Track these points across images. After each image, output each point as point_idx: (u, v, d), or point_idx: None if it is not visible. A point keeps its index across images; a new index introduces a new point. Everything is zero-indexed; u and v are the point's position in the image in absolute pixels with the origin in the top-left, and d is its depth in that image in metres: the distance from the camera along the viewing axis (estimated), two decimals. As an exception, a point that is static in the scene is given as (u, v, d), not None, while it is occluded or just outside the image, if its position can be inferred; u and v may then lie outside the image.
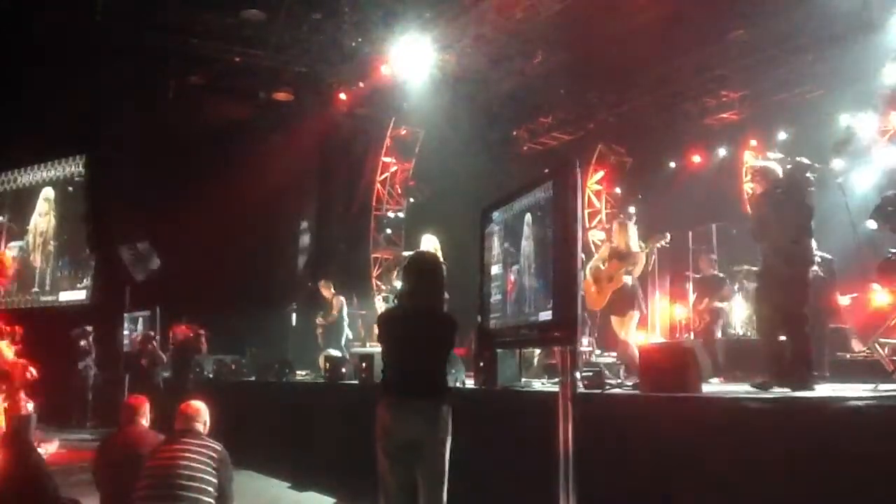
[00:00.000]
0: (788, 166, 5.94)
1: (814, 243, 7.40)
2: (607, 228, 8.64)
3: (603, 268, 7.16)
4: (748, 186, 5.83)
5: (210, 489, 3.96)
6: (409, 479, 3.86)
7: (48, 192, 15.18)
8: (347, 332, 10.70)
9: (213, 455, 4.06)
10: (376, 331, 11.51)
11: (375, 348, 10.91)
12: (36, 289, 14.95)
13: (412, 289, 4.15)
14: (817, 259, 7.44)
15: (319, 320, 10.66)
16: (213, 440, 4.21)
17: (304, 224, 14.90)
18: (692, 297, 10.22)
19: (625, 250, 7.02)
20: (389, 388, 4.00)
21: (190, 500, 3.88)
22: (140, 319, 12.25)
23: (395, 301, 8.05)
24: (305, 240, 14.82)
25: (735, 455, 3.89)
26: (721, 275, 9.19)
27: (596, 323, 8.33)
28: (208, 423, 4.32)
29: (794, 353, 5.21)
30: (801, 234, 5.47)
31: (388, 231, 14.60)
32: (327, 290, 10.71)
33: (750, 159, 11.45)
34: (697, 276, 9.80)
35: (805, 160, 5.83)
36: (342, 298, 10.70)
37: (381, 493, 3.92)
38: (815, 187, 5.70)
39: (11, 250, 15.15)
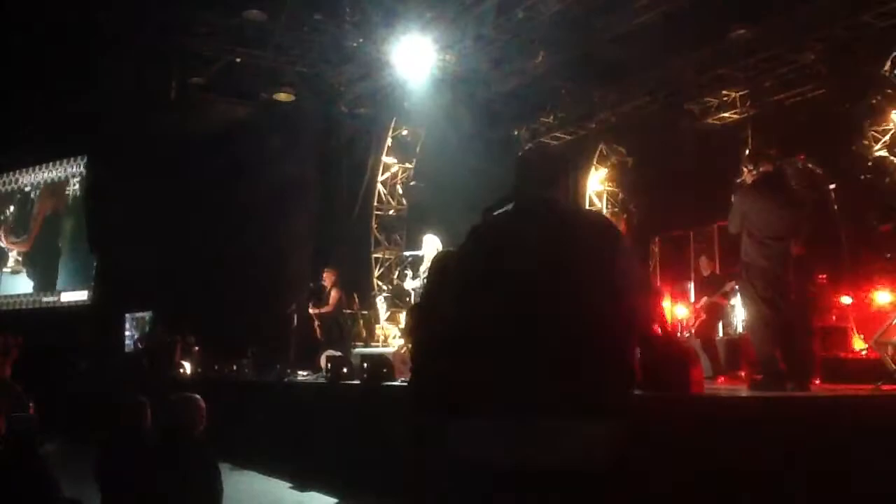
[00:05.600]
0: (783, 157, 5.94)
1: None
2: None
3: None
4: (743, 168, 5.75)
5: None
6: None
7: (49, 193, 15.21)
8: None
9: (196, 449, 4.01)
10: (386, 330, 11.30)
11: (377, 349, 10.94)
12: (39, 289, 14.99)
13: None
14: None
15: (312, 310, 10.61)
16: (196, 431, 4.15)
17: (305, 224, 14.88)
18: (693, 296, 10.24)
19: None
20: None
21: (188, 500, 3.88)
22: (141, 320, 12.27)
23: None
24: (306, 240, 14.80)
25: (736, 455, 3.88)
26: (721, 273, 9.20)
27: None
28: (198, 417, 4.26)
29: (784, 350, 5.20)
30: (784, 231, 5.45)
31: (390, 231, 14.60)
32: (329, 280, 10.60)
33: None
34: (702, 275, 9.78)
35: (801, 160, 5.82)
36: (340, 293, 10.61)
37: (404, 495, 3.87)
38: (805, 184, 5.67)
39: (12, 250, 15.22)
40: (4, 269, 15.33)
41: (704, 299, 9.07)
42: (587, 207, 2.70)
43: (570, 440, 2.10)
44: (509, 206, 2.51)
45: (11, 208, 15.52)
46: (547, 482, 2.09)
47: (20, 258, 15.24)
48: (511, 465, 2.10)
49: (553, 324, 2.18)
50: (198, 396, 4.34)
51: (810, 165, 6.02)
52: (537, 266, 2.25)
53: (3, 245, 15.39)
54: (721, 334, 9.01)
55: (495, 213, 2.53)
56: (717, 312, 8.98)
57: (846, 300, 8.28)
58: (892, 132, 9.23)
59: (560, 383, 2.13)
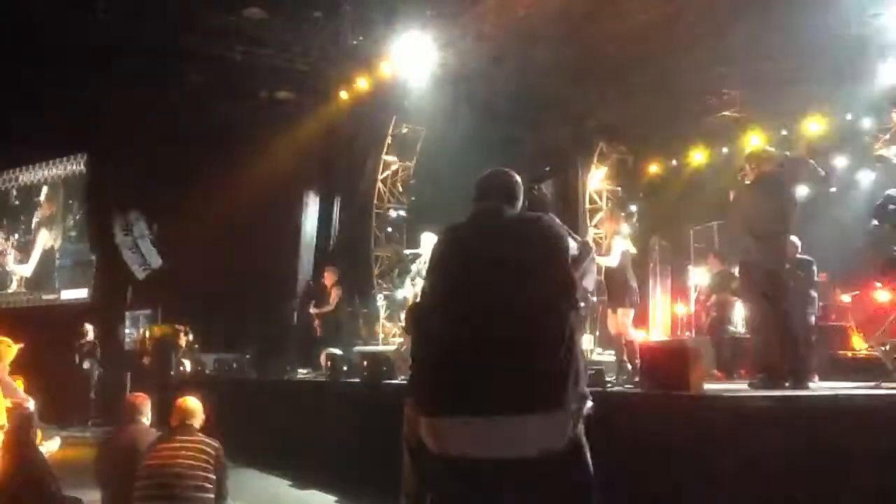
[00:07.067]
0: (785, 156, 5.96)
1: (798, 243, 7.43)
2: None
3: None
4: (745, 165, 5.76)
5: (208, 486, 3.97)
6: None
7: (49, 191, 15.23)
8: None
9: (211, 452, 4.07)
10: (386, 328, 11.25)
11: (377, 347, 10.95)
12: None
13: None
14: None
15: (313, 310, 10.62)
16: (209, 437, 4.21)
17: (305, 222, 14.89)
18: (693, 294, 10.23)
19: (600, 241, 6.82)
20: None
21: (188, 500, 3.89)
22: (141, 318, 12.29)
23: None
24: (306, 238, 14.82)
25: (736, 454, 3.89)
26: (732, 270, 9.20)
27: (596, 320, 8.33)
28: (202, 420, 4.32)
29: (783, 348, 5.20)
30: (782, 229, 5.46)
31: (390, 229, 14.60)
32: (329, 279, 10.61)
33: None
34: (708, 272, 9.75)
35: (802, 156, 5.83)
36: (341, 292, 10.62)
37: (402, 494, 3.91)
38: (806, 184, 5.69)
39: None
40: (8, 290, 15.41)
41: (713, 297, 9.05)
42: (533, 213, 2.68)
43: (521, 432, 2.19)
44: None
45: (16, 235, 15.56)
46: (502, 471, 2.21)
47: (22, 281, 15.31)
48: (468, 456, 2.21)
49: (496, 322, 2.28)
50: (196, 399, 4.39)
51: (804, 157, 6.05)
52: (482, 269, 2.38)
53: (8, 268, 15.47)
54: (724, 334, 9.00)
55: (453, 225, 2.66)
56: (726, 310, 8.95)
57: (846, 299, 8.30)
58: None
59: (505, 380, 2.21)
